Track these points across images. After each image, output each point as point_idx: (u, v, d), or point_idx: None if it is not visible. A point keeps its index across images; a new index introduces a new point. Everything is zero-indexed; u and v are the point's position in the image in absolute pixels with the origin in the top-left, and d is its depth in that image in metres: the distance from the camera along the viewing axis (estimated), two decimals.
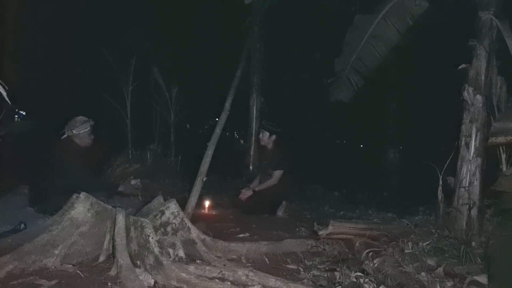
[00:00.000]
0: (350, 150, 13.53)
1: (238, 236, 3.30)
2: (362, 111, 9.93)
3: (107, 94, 6.63)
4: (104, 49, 6.65)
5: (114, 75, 6.82)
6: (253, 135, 6.67)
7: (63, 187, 3.27)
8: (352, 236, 2.96)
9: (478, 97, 3.11)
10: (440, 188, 3.23)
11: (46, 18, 7.04)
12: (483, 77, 3.14)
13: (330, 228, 2.89)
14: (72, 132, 3.77)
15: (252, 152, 6.70)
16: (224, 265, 2.33)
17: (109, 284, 1.99)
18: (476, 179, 3.10)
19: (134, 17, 8.18)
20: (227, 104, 3.69)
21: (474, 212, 3.05)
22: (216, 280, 2.10)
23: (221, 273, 2.18)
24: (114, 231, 2.29)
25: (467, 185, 3.10)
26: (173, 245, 2.41)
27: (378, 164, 9.95)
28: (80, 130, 3.79)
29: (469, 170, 3.12)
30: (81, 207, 2.36)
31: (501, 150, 2.90)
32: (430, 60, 8.32)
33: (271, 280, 2.11)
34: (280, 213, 4.56)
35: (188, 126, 10.64)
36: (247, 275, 2.15)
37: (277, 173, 4.57)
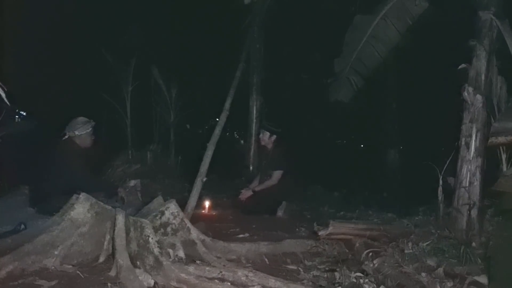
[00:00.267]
0: (350, 150, 13.52)
1: (238, 236, 3.29)
2: (362, 111, 9.93)
3: (107, 94, 6.63)
4: (104, 49, 6.65)
5: (114, 76, 6.82)
6: (253, 135, 6.66)
7: (63, 187, 3.27)
8: (352, 237, 2.96)
9: (478, 97, 3.11)
10: (440, 188, 3.24)
11: (46, 18, 7.04)
12: (483, 77, 3.14)
13: (330, 229, 2.89)
14: (74, 133, 3.78)
15: (252, 153, 6.69)
16: (224, 265, 2.33)
17: (109, 284, 1.99)
18: (476, 179, 3.10)
19: (134, 17, 8.18)
20: (227, 104, 3.70)
21: (474, 212, 3.05)
22: (215, 280, 2.10)
23: (220, 274, 2.17)
24: (114, 231, 2.29)
25: (467, 185, 3.10)
26: (173, 246, 2.40)
27: (378, 164, 9.95)
28: (82, 131, 3.80)
29: (469, 170, 3.12)
30: (81, 208, 2.36)
31: (501, 150, 2.90)
32: (430, 60, 8.31)
33: (271, 281, 2.11)
34: (280, 213, 4.55)
35: (188, 126, 10.64)
36: (246, 276, 2.15)
37: (277, 174, 4.56)
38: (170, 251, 2.37)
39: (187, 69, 8.86)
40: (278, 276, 2.24)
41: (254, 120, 6.72)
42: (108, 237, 2.40)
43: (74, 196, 2.41)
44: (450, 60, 3.52)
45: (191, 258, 2.42)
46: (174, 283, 2.05)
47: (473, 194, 3.08)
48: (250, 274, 2.15)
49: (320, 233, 2.91)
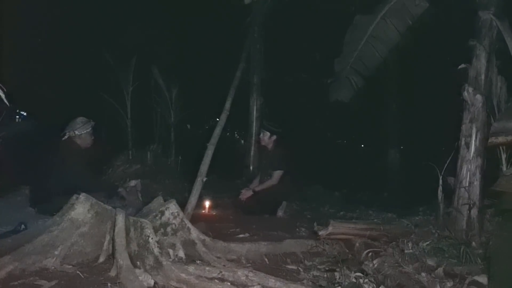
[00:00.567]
0: (351, 150, 13.52)
1: (238, 236, 3.29)
2: (362, 111, 9.92)
3: (107, 94, 6.64)
4: (104, 49, 6.66)
5: (114, 76, 6.83)
6: (253, 135, 6.67)
7: (63, 187, 3.27)
8: (352, 236, 2.96)
9: (478, 97, 3.11)
10: (440, 188, 3.23)
11: (46, 19, 7.04)
12: (483, 77, 3.14)
13: (330, 228, 2.89)
14: (74, 133, 3.78)
15: (252, 153, 6.69)
16: (224, 265, 2.33)
17: (109, 284, 1.98)
18: (476, 179, 3.10)
19: (134, 17, 8.19)
20: (227, 105, 3.70)
21: (474, 212, 3.05)
22: (215, 280, 2.09)
23: (220, 274, 2.17)
24: (114, 231, 2.28)
25: (467, 185, 3.10)
26: (173, 246, 2.41)
27: (378, 164, 9.94)
28: (82, 131, 3.81)
29: (469, 170, 3.12)
30: (81, 208, 2.36)
31: (501, 150, 2.90)
32: (430, 60, 8.31)
33: (271, 281, 2.11)
34: (280, 213, 4.55)
35: (188, 126, 10.64)
36: (246, 276, 2.15)
37: (277, 174, 4.57)
38: (170, 251, 2.37)
39: (187, 69, 8.87)
40: (278, 276, 2.24)
41: (254, 120, 6.73)
42: (108, 237, 2.40)
43: (74, 196, 2.40)
44: (450, 60, 3.52)
45: (191, 258, 2.42)
46: (174, 283, 2.05)
47: (473, 194, 3.08)
48: (250, 274, 2.15)
49: (320, 233, 2.91)
